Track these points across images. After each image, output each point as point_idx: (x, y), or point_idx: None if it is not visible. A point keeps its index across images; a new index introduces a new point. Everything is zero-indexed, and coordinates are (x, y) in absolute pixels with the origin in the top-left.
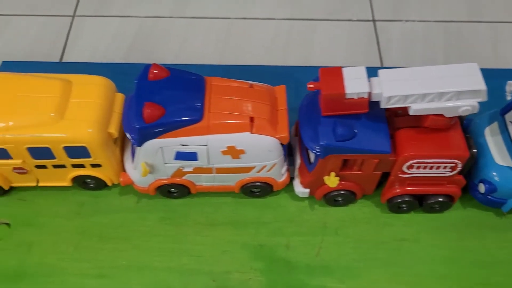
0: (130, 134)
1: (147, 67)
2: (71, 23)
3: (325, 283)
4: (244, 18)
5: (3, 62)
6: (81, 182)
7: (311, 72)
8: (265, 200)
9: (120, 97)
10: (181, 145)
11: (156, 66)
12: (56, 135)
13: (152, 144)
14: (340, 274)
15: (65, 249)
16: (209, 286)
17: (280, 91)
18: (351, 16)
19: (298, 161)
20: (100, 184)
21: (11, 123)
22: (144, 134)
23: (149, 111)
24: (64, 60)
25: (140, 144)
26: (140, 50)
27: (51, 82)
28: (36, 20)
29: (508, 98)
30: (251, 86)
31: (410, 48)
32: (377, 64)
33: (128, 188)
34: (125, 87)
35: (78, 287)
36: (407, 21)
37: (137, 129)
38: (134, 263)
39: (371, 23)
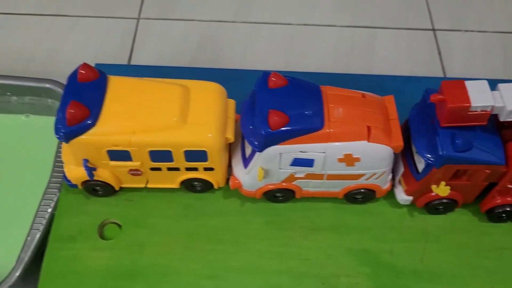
0: (253, 140)
1: (265, 74)
2: (137, 26)
3: None
4: (306, 25)
5: (96, 64)
6: (188, 185)
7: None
8: (365, 207)
9: (232, 103)
10: (300, 151)
11: (275, 74)
12: (179, 139)
13: (272, 150)
14: (446, 280)
15: (176, 250)
16: None
17: (389, 101)
18: (410, 25)
19: (401, 169)
20: (206, 187)
21: (137, 127)
22: (268, 140)
23: (276, 118)
24: (132, 62)
25: (261, 150)
26: (205, 54)
27: (171, 87)
28: (102, 22)
29: None
30: (363, 95)
31: (471, 58)
32: (439, 73)
33: (230, 191)
34: None
35: (194, 287)
36: (466, 31)
37: (263, 136)
38: (245, 265)
39: (431, 32)
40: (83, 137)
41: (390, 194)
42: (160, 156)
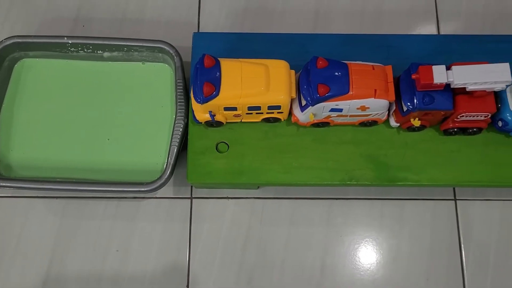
0: (309, 99)
1: (314, 59)
2: None
3: (407, 175)
4: None
5: (194, 33)
6: (266, 120)
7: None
8: (371, 128)
9: (292, 72)
10: (335, 105)
11: (320, 58)
12: (266, 100)
13: (319, 104)
14: (416, 170)
15: (262, 158)
16: (344, 177)
17: (388, 69)
18: None
19: (394, 107)
20: (276, 121)
21: (241, 94)
22: (318, 101)
23: (322, 89)
24: (201, 28)
25: (313, 105)
26: (249, 19)
27: (259, 67)
28: None
29: None
30: (373, 67)
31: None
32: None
33: (290, 122)
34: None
35: (274, 178)
36: None
37: (315, 99)
38: (302, 165)
39: None
40: (212, 102)
41: (386, 121)
42: (253, 108)
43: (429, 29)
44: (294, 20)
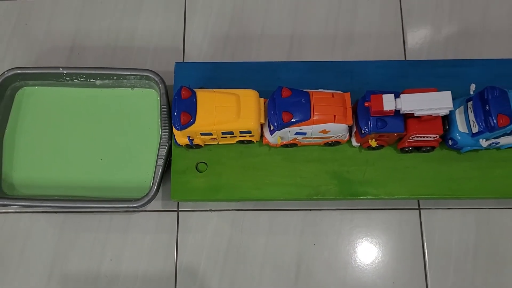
0: (275, 125)
1: (279, 89)
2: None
3: (367, 190)
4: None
5: (176, 63)
6: (240, 142)
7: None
8: (335, 148)
9: (262, 100)
10: (299, 129)
11: (285, 88)
12: (237, 126)
13: (285, 129)
14: (376, 185)
15: (237, 175)
16: (310, 192)
17: (347, 96)
18: None
19: (354, 129)
20: (250, 142)
21: (215, 121)
22: (282, 127)
23: (286, 117)
24: (186, 58)
25: (279, 130)
26: (230, 46)
27: (231, 96)
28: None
29: (471, 93)
30: (333, 95)
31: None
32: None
33: (262, 144)
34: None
35: (248, 194)
36: None
37: (279, 125)
38: (273, 181)
39: None
40: (189, 129)
41: (348, 141)
42: (227, 133)
43: (397, 52)
44: (272, 46)
